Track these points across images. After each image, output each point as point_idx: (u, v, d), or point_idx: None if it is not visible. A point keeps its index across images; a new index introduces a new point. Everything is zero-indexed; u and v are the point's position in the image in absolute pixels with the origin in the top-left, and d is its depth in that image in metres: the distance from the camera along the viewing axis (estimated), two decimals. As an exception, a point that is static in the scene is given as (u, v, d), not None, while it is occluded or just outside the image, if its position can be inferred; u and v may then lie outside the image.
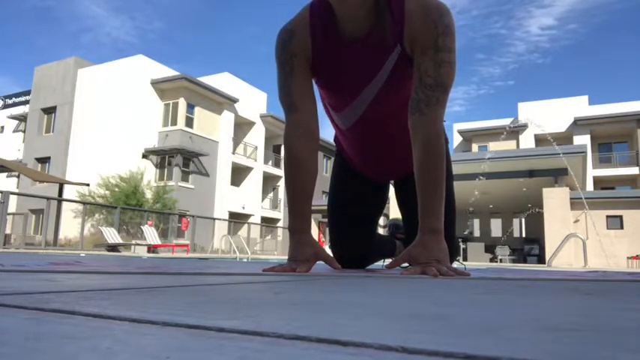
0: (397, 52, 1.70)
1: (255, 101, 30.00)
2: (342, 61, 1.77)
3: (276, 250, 25.34)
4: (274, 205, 31.66)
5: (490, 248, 17.64)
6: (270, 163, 31.59)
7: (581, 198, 14.22)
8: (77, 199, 18.09)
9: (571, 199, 14.38)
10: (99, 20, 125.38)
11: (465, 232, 18.75)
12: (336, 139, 2.29)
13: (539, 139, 30.19)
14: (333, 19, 1.71)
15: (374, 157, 2.16)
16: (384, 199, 2.45)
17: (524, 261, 17.41)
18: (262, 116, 30.38)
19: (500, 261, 16.57)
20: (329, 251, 2.28)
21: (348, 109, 1.92)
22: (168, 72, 25.88)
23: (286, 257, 1.74)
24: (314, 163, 1.76)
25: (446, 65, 1.62)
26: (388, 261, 2.57)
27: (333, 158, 2.52)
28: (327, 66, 1.79)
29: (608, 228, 14.60)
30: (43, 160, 27.31)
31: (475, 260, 14.99)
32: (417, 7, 1.64)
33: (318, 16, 1.73)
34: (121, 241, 12.76)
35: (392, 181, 2.42)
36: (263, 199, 30.64)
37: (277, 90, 1.81)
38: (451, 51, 1.64)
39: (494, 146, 30.08)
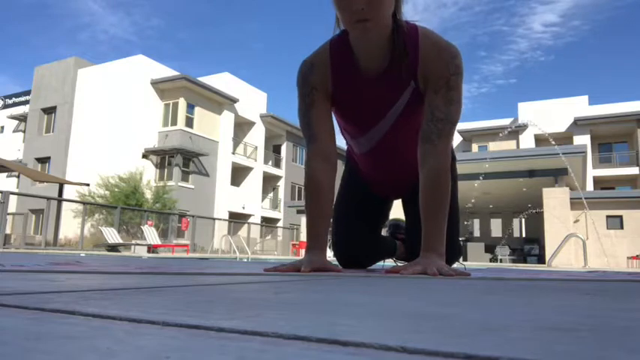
0: (411, 88, 1.81)
1: (255, 101, 29.99)
2: (359, 95, 1.87)
3: (276, 250, 25.32)
4: (274, 205, 31.65)
5: (490, 248, 17.63)
6: (270, 163, 31.57)
7: (581, 198, 14.19)
8: (77, 199, 18.10)
9: (571, 199, 14.35)
10: (96, 17, 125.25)
11: (466, 235, 18.73)
12: (348, 151, 2.35)
13: (539, 139, 30.16)
14: (351, 55, 1.82)
15: (385, 178, 2.27)
16: (390, 205, 2.53)
17: (524, 261, 17.40)
18: (262, 116, 30.36)
19: (500, 261, 16.57)
20: (330, 253, 2.30)
21: (364, 138, 2.04)
22: (168, 72, 25.87)
23: (286, 257, 1.77)
24: (331, 188, 1.89)
25: (455, 103, 1.76)
26: (388, 261, 2.59)
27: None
28: (344, 99, 1.90)
29: (608, 228, 14.58)
30: (43, 160, 27.31)
31: (475, 260, 14.99)
32: (430, 47, 1.75)
33: (338, 51, 1.84)
34: (120, 241, 12.75)
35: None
36: (263, 199, 30.63)
37: (298, 118, 1.93)
38: (460, 90, 1.78)
39: (494, 146, 30.09)
